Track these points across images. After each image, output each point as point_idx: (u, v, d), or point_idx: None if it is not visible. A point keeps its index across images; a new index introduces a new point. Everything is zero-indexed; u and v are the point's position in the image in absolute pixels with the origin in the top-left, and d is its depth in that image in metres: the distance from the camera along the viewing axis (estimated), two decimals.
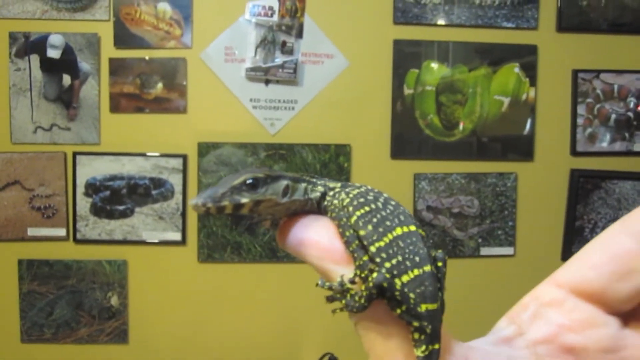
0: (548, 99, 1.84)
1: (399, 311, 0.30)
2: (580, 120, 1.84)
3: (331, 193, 0.35)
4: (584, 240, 1.84)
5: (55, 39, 1.77)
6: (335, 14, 1.80)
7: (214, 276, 1.83)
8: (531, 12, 1.82)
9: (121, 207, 1.81)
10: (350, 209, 0.32)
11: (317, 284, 0.31)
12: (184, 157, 1.79)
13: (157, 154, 1.80)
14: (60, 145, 1.79)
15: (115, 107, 1.79)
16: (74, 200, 1.79)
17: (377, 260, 0.30)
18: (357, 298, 0.30)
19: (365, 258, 0.31)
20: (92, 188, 1.80)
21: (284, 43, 1.78)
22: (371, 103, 1.81)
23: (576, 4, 1.83)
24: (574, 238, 1.85)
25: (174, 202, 1.81)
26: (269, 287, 1.84)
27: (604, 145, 1.85)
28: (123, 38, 1.78)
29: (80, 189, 1.80)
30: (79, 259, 1.80)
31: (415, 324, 0.30)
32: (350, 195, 0.34)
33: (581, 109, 1.84)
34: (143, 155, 1.80)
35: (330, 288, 0.31)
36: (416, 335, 0.30)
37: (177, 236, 1.81)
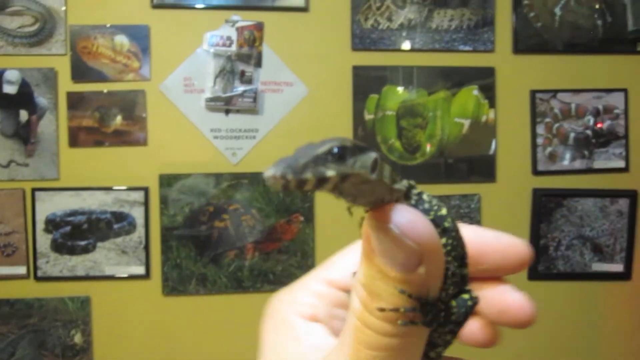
0: (507, 120, 1.86)
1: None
2: (540, 140, 1.86)
3: (416, 190, 0.30)
4: (550, 259, 1.85)
5: (11, 75, 1.75)
6: (294, 43, 1.81)
7: (179, 309, 1.80)
8: (487, 35, 1.84)
9: (83, 243, 1.78)
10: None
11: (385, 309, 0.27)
12: (146, 190, 1.77)
13: (118, 187, 1.78)
14: (19, 181, 1.76)
15: (74, 142, 1.77)
16: (33, 237, 1.76)
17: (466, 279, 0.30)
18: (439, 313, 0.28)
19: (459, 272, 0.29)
20: (52, 224, 1.77)
21: (242, 72, 1.78)
22: (332, 129, 1.81)
23: (531, 26, 1.86)
24: (539, 257, 1.86)
25: (137, 235, 1.78)
26: (235, 318, 1.81)
27: (565, 163, 1.87)
28: (80, 72, 1.77)
29: (40, 226, 1.77)
30: (41, 296, 1.77)
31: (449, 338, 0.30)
32: (435, 201, 0.30)
33: (540, 129, 1.86)
34: (104, 189, 1.78)
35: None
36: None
37: (140, 270, 1.79)
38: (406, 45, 1.82)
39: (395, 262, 0.27)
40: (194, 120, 1.79)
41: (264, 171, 0.25)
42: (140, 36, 1.78)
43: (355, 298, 0.29)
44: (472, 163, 1.85)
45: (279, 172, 0.24)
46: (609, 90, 1.88)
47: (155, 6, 1.78)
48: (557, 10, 1.86)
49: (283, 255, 1.82)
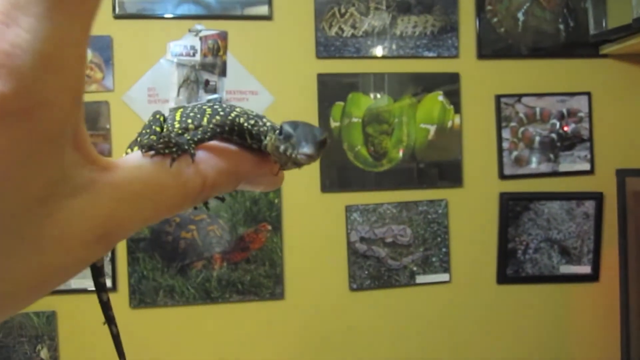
0: (473, 125, 1.87)
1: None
2: (505, 144, 1.87)
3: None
4: (518, 262, 1.86)
5: None
6: (258, 51, 1.81)
7: (147, 322, 1.78)
8: (451, 40, 1.85)
9: None
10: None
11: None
12: None
13: None
14: None
15: None
16: None
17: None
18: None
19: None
20: None
21: (207, 82, 1.77)
22: None
23: (494, 31, 1.87)
24: (507, 260, 1.87)
25: None
26: (204, 329, 1.80)
27: (531, 167, 1.88)
28: None
29: None
30: None
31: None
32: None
33: (506, 133, 1.87)
34: None
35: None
36: None
37: (107, 283, 1.76)
38: (371, 52, 1.83)
39: None
40: None
41: (303, 150, 0.34)
42: (102, 47, 1.76)
43: None
44: (439, 168, 1.86)
45: (315, 153, 0.35)
46: (572, 94, 1.89)
47: (118, 16, 1.76)
48: (520, 16, 1.87)
49: (251, 265, 1.81)
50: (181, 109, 0.41)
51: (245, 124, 0.38)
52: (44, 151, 0.20)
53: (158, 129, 0.38)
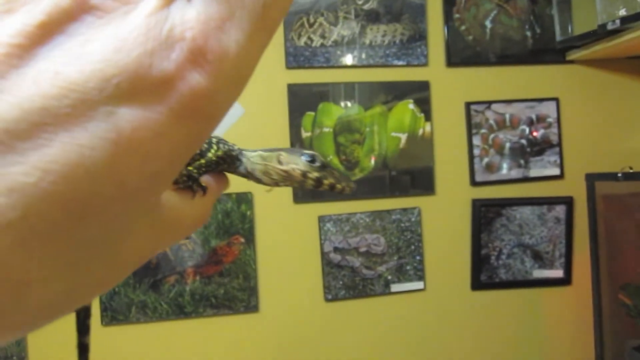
0: (444, 133, 1.87)
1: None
2: (476, 151, 1.88)
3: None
4: (492, 268, 1.87)
5: None
6: None
7: (120, 339, 1.75)
8: (420, 49, 1.86)
9: None
10: None
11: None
12: None
13: None
14: None
15: None
16: None
17: None
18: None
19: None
20: None
21: None
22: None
23: (462, 39, 1.88)
24: (481, 266, 1.88)
25: None
26: (178, 344, 1.78)
27: (502, 173, 1.89)
28: None
29: None
30: None
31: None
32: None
33: (477, 140, 1.88)
34: None
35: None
36: None
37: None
38: (341, 61, 1.83)
39: None
40: None
41: (348, 185, 0.43)
42: None
43: None
44: (411, 176, 1.86)
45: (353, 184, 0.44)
46: (541, 100, 1.91)
47: None
48: (488, 23, 1.89)
49: (225, 278, 1.79)
50: None
51: (229, 152, 0.42)
52: (189, 156, 0.20)
53: None
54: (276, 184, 0.42)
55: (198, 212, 0.32)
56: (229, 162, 0.41)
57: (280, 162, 0.41)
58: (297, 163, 0.41)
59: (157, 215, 0.23)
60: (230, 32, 0.19)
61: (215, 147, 0.41)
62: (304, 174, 0.41)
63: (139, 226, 0.21)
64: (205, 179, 0.37)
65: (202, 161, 0.39)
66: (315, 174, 0.41)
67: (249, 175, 0.42)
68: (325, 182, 0.42)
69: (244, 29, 0.20)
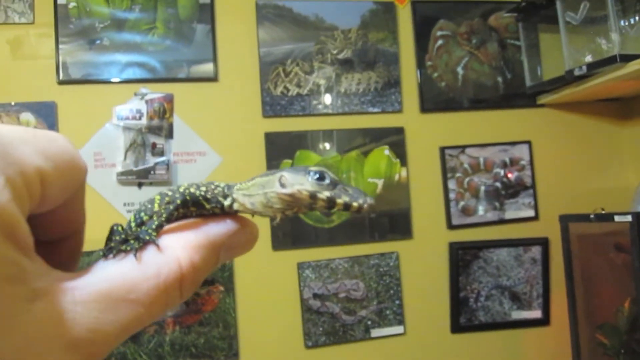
0: (420, 177, 1.91)
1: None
2: (452, 195, 1.91)
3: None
4: (470, 310, 1.88)
5: None
6: (205, 112, 1.82)
7: None
8: (394, 96, 1.90)
9: None
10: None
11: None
12: None
13: None
14: None
15: None
16: None
17: None
18: None
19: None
20: None
21: (154, 145, 1.77)
22: None
23: (435, 86, 1.93)
24: (460, 309, 1.89)
25: None
26: None
27: (478, 215, 1.92)
28: None
29: None
30: None
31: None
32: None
33: (452, 184, 1.91)
34: None
35: None
36: None
37: None
38: (317, 109, 1.86)
39: None
40: (105, 196, 1.76)
41: (366, 201, 0.36)
42: (46, 113, 1.75)
43: None
44: (389, 221, 1.88)
45: (370, 201, 0.36)
46: (513, 143, 1.96)
47: (62, 82, 1.76)
48: (459, 70, 1.94)
49: (204, 328, 1.78)
50: (134, 212, 0.40)
51: (197, 192, 0.37)
52: None
53: (117, 237, 0.36)
54: (282, 212, 0.37)
55: (159, 272, 0.28)
56: (193, 203, 0.37)
57: (283, 186, 0.36)
58: (302, 183, 0.35)
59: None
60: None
61: (157, 200, 0.38)
62: (313, 195, 0.35)
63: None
64: (166, 234, 0.32)
65: (151, 218, 0.36)
66: (326, 194, 0.35)
67: (243, 212, 0.37)
68: (339, 201, 0.35)
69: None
